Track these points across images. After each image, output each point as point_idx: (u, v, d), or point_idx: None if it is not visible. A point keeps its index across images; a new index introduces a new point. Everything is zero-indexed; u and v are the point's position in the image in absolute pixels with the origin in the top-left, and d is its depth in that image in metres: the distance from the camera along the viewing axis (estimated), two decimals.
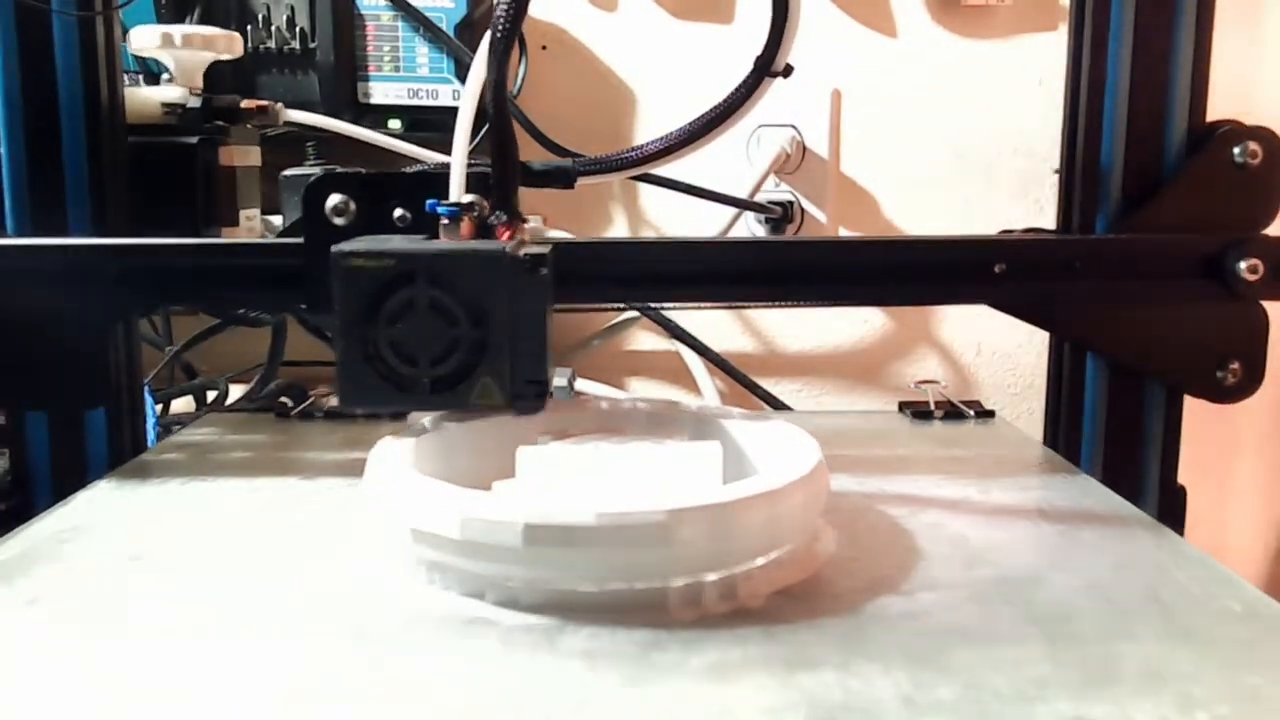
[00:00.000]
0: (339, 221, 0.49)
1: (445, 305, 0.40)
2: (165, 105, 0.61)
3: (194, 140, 0.61)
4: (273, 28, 0.78)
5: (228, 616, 0.35)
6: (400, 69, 0.79)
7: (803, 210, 0.86)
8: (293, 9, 0.78)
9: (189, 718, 0.28)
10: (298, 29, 0.78)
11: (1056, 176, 0.56)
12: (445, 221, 0.43)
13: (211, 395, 0.79)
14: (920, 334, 0.88)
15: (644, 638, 0.33)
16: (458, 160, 0.46)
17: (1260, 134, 0.52)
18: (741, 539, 0.35)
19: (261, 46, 0.78)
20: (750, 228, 0.86)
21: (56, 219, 0.53)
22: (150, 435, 0.60)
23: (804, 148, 0.86)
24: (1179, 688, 0.30)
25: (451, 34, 0.78)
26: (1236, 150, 0.51)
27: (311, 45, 0.78)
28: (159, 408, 0.75)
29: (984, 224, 0.86)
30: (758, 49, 0.65)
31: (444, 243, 0.42)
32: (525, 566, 0.34)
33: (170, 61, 0.64)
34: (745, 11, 0.85)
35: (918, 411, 0.61)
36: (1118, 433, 0.54)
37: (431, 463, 0.40)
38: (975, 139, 0.85)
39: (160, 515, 0.45)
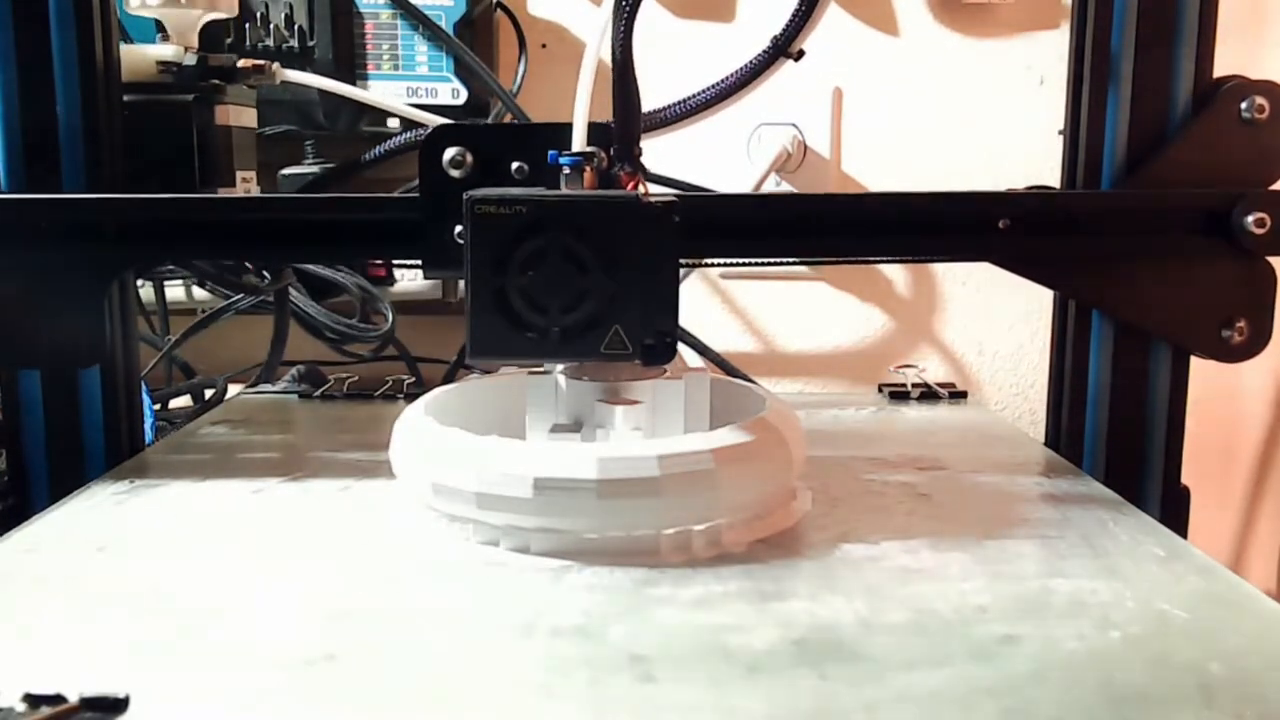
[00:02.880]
0: (456, 174, 0.53)
1: (577, 253, 0.44)
2: (160, 63, 0.66)
3: (189, 98, 0.66)
4: (271, 26, 0.86)
5: (265, 561, 0.44)
6: (399, 67, 0.88)
7: None
8: (291, 7, 0.86)
9: (238, 636, 0.38)
10: (296, 27, 0.86)
11: (1058, 173, 0.62)
12: (567, 172, 0.47)
13: (209, 394, 0.88)
14: (922, 334, 0.98)
15: (640, 576, 0.42)
16: (580, 110, 0.49)
17: (1267, 88, 0.55)
18: (725, 495, 0.45)
19: (260, 44, 0.86)
20: None
21: (51, 177, 0.57)
22: (148, 434, 0.68)
23: (805, 146, 0.95)
24: (1099, 613, 0.39)
25: (451, 32, 0.87)
26: (1243, 105, 0.55)
27: (310, 44, 0.86)
28: (156, 407, 0.84)
29: None
30: (759, 47, 0.75)
31: (575, 191, 0.47)
32: (535, 516, 0.43)
33: (165, 19, 0.69)
34: (746, 9, 0.95)
35: (895, 392, 0.71)
36: (1120, 433, 0.59)
37: (452, 414, 0.50)
38: (977, 137, 0.95)
39: (203, 481, 0.55)
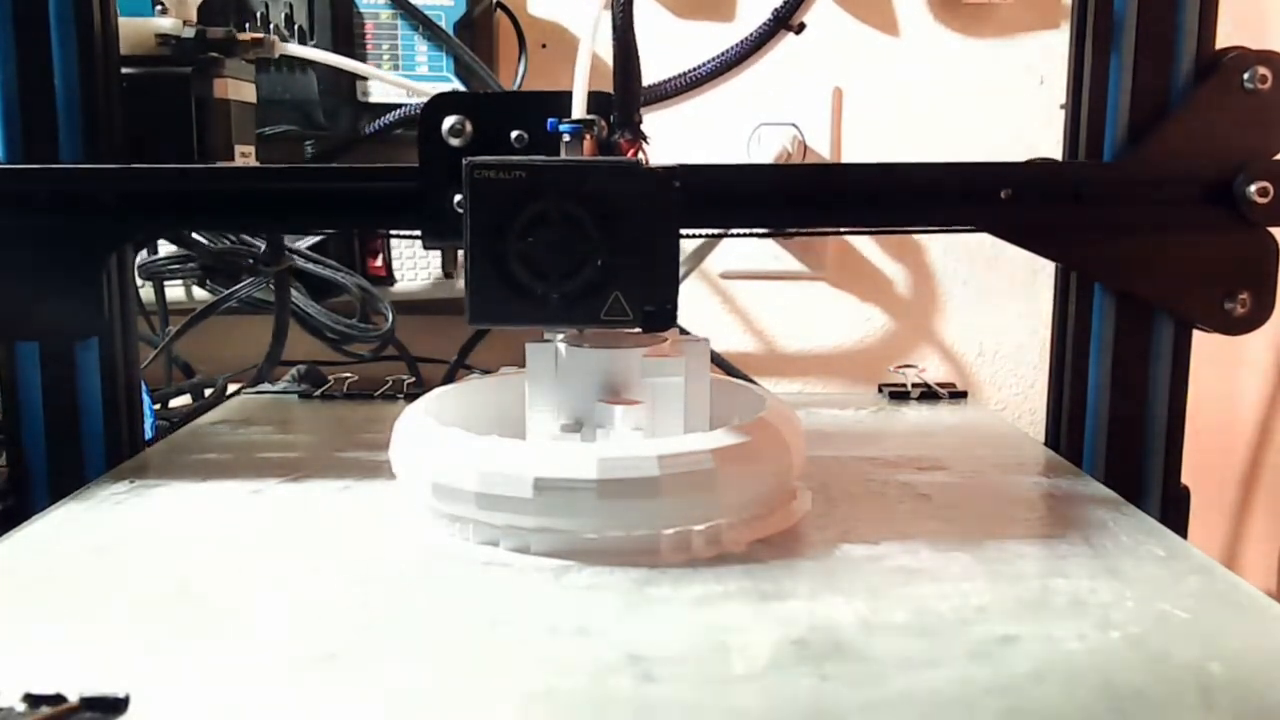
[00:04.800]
0: (455, 142, 0.52)
1: (577, 218, 0.44)
2: (159, 35, 0.66)
3: (188, 70, 0.66)
4: (271, 25, 0.86)
5: (264, 561, 0.45)
6: (399, 67, 0.88)
7: None
8: (291, 7, 0.86)
9: (238, 635, 0.38)
10: (296, 27, 0.86)
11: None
12: (567, 139, 0.47)
13: (209, 394, 0.88)
14: (921, 334, 0.98)
15: (640, 576, 0.42)
16: (580, 77, 0.49)
17: (1269, 58, 0.55)
18: (725, 495, 0.45)
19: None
20: None
21: (49, 150, 0.57)
22: (148, 434, 0.68)
23: (805, 146, 0.95)
24: (1099, 613, 0.39)
25: (451, 32, 0.87)
26: (1245, 75, 0.55)
27: (310, 43, 0.86)
28: (156, 407, 0.84)
29: None
30: (760, 47, 0.75)
31: (576, 157, 0.47)
32: (535, 516, 0.43)
33: None
34: (746, 9, 0.95)
35: (895, 392, 0.71)
36: (1120, 433, 0.59)
37: (452, 414, 0.50)
38: (976, 137, 0.95)
39: (203, 481, 0.55)
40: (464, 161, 0.45)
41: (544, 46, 0.95)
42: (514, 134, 0.52)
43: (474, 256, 0.45)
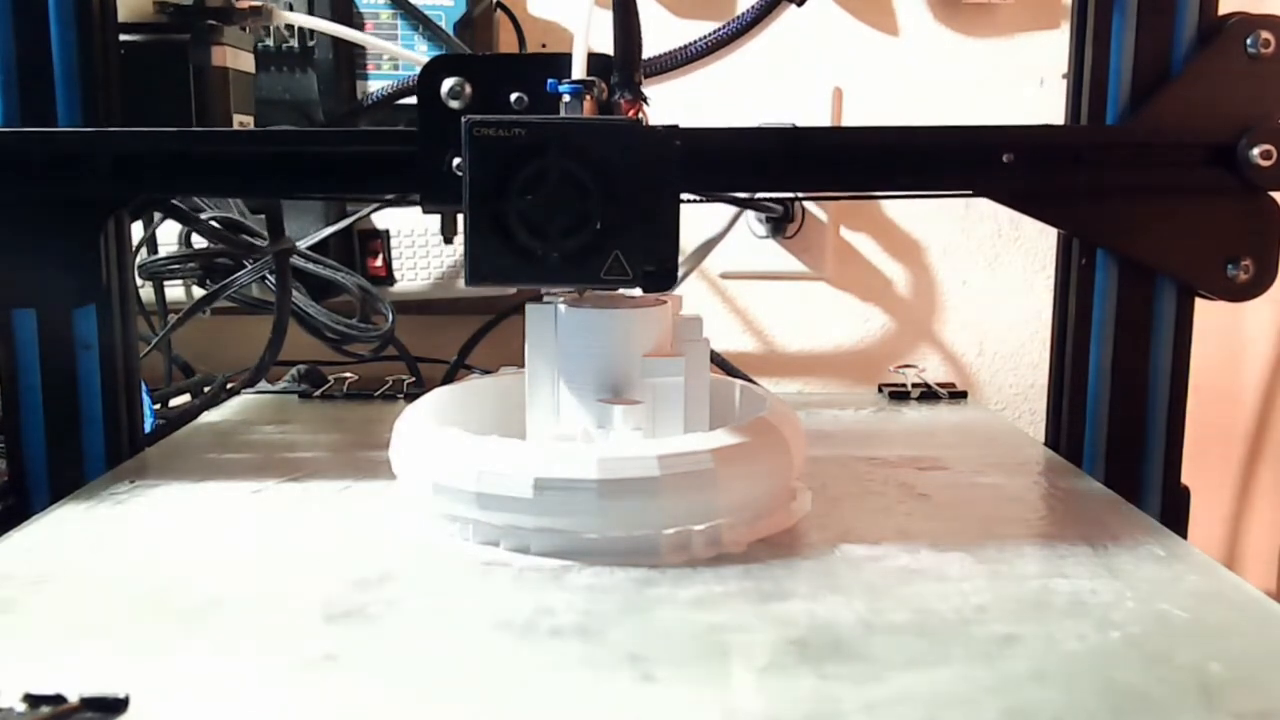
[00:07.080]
0: (454, 105, 0.52)
1: (578, 176, 0.44)
2: (157, 2, 0.67)
3: (186, 37, 0.67)
4: (271, 26, 0.87)
5: (265, 561, 0.45)
6: (399, 67, 0.88)
7: (803, 208, 0.96)
8: (291, 7, 0.86)
9: (238, 636, 0.38)
10: (296, 28, 0.87)
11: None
12: (567, 100, 0.47)
13: (208, 392, 0.88)
14: (921, 335, 0.98)
15: (639, 576, 0.42)
16: (580, 38, 0.49)
17: (1272, 22, 0.55)
18: (725, 495, 0.45)
19: (260, 45, 0.87)
20: (750, 226, 0.96)
21: (46, 118, 0.57)
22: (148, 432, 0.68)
23: None
24: (1099, 613, 0.39)
25: (451, 32, 0.87)
26: (1248, 40, 0.55)
27: (310, 43, 0.87)
28: (156, 406, 0.84)
29: (985, 221, 0.96)
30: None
31: (576, 116, 0.46)
32: (535, 516, 0.44)
33: None
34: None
35: (895, 392, 0.71)
36: (1120, 432, 0.60)
37: (452, 414, 0.50)
38: None
39: (204, 481, 0.55)
40: (463, 120, 0.44)
41: (544, 46, 0.95)
42: (513, 96, 0.52)
43: (473, 216, 0.44)
